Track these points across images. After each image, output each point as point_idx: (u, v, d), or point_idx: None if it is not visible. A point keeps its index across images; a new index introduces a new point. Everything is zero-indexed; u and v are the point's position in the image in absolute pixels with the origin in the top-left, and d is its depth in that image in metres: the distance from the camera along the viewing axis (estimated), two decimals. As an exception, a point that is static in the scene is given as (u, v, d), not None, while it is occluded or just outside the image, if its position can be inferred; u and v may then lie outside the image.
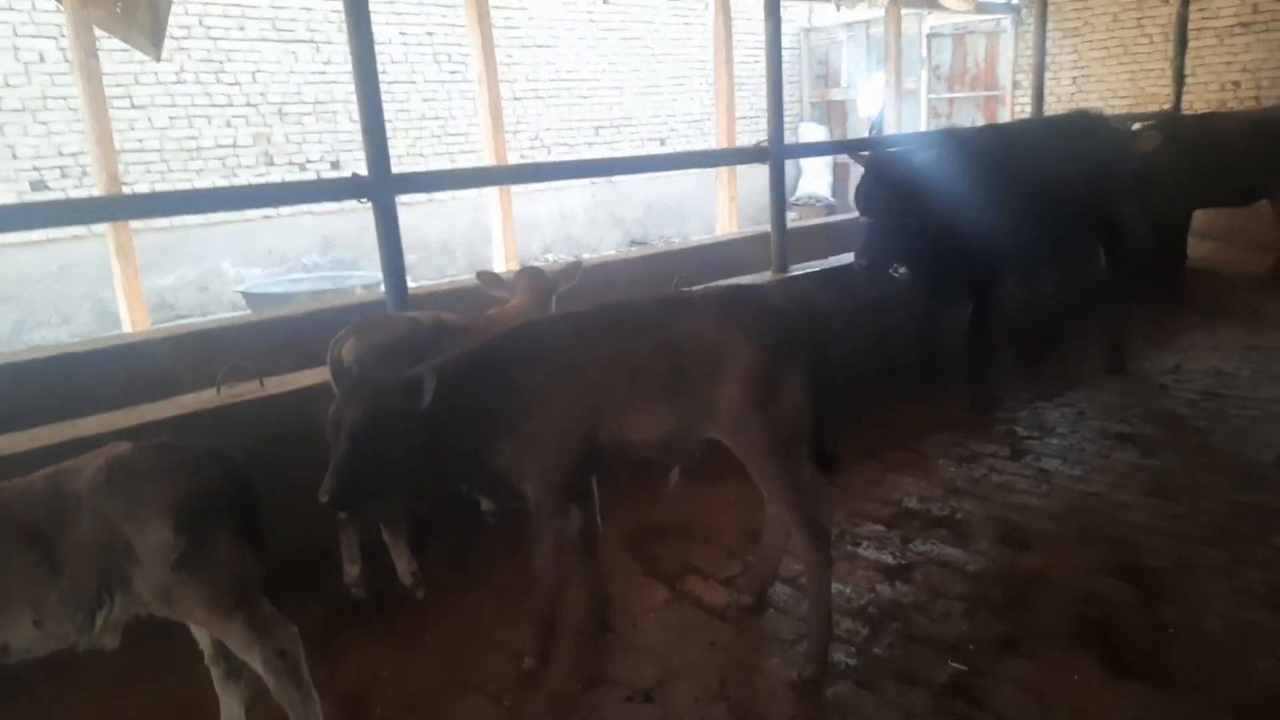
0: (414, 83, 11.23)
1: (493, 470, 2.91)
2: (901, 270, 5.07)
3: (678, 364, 2.87)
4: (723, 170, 9.11)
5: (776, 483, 2.94)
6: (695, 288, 3.35)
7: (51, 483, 2.26)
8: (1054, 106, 13.20)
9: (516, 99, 12.21)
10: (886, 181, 4.82)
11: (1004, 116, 13.58)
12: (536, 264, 5.76)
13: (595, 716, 2.79)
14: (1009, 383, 5.66)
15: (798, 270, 5.64)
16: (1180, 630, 3.07)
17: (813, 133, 16.21)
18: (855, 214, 5.08)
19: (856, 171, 5.42)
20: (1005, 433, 4.97)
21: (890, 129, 11.42)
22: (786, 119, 17.79)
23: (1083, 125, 5.87)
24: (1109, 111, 8.17)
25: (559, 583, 3.06)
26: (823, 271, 5.68)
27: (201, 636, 2.49)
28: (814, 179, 15.90)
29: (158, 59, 5.37)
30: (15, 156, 8.60)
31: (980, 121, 14.55)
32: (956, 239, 4.93)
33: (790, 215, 15.68)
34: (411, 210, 11.05)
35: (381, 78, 11.51)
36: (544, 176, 6.94)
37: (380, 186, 3.86)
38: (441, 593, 3.49)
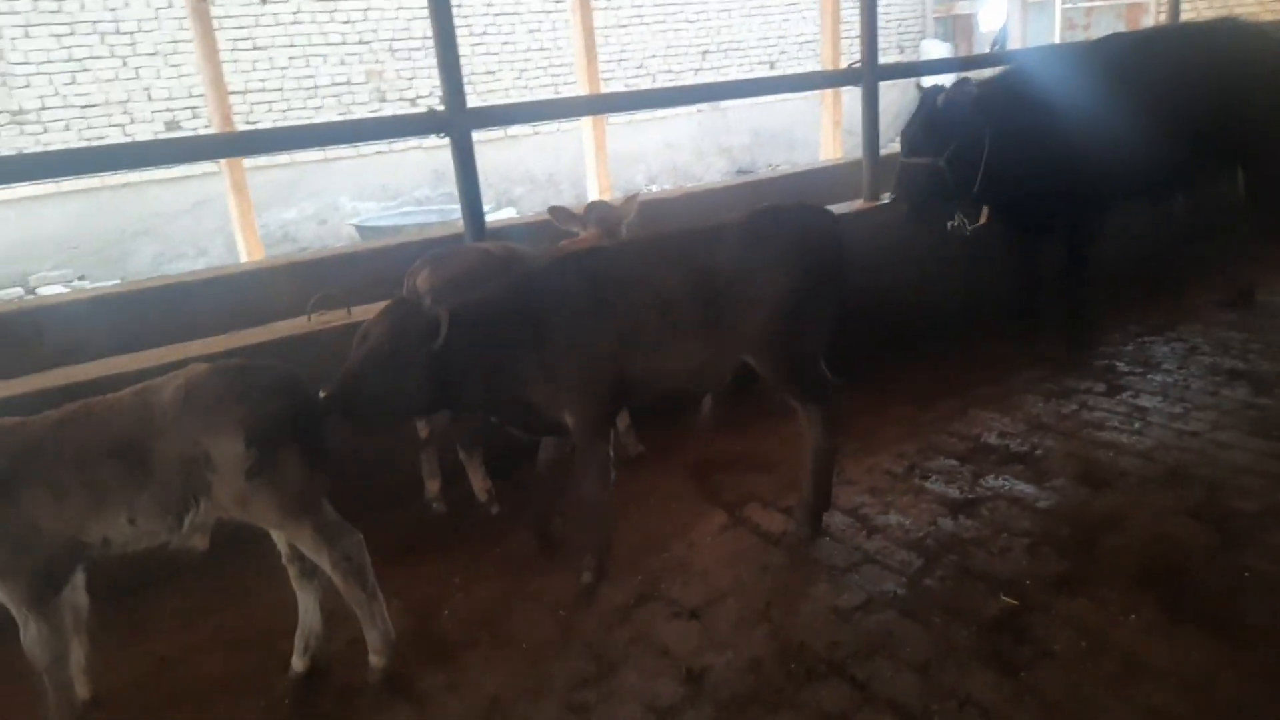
0: (519, 14, 11.27)
1: (528, 404, 3.01)
2: (956, 220, 4.87)
3: (709, 293, 2.93)
4: (827, 94, 8.79)
5: (801, 389, 3.16)
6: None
7: (140, 398, 2.51)
8: (1204, 14, 12.05)
9: (621, 26, 12.09)
10: (934, 118, 4.45)
11: (1148, 24, 12.47)
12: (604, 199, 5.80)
13: (642, 629, 2.92)
14: (1115, 316, 5.36)
15: (888, 199, 5.45)
16: (1258, 577, 2.92)
17: (936, 49, 15.36)
18: None
19: None
20: (1104, 368, 4.73)
21: (1015, 45, 10.71)
22: (908, 35, 16.96)
23: (1225, 34, 5.34)
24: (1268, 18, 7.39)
25: (607, 503, 3.18)
26: (917, 200, 5.47)
27: (279, 539, 2.73)
28: (937, 99, 15.11)
29: (264, 1, 5.60)
30: (150, 98, 9.22)
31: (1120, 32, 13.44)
32: (1038, 172, 4.56)
33: (909, 139, 15.05)
34: (517, 144, 11.23)
35: (487, 10, 11.68)
36: (621, 106, 6.87)
37: (456, 121, 3.97)
38: (514, 511, 3.67)
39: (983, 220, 4.97)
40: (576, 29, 6.99)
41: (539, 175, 11.56)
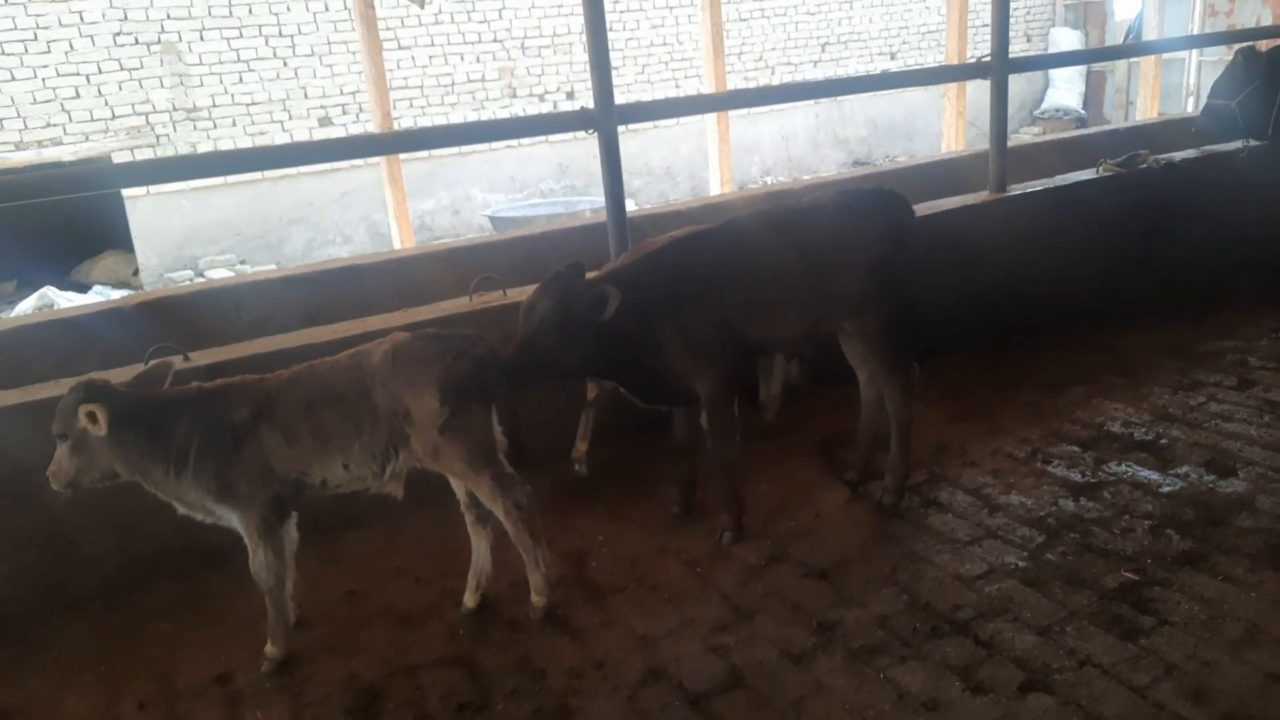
0: (643, 10, 11.61)
1: (663, 372, 3.32)
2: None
3: (811, 262, 3.32)
4: (950, 85, 8.80)
5: (889, 357, 3.51)
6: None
7: (354, 360, 2.94)
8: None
9: (742, 20, 12.27)
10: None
11: (1299, 10, 11.83)
12: (753, 188, 6.10)
13: (775, 585, 3.19)
14: (1254, 310, 5.28)
15: (1017, 190, 5.53)
16: (1390, 563, 2.97)
17: (1065, 38, 14.92)
18: (1104, 128, 5.60)
19: (1112, 82, 5.57)
20: (1236, 363, 4.71)
21: (1150, 34, 10.38)
22: (1036, 23, 16.55)
23: None
24: None
25: (736, 465, 3.48)
26: (1043, 191, 5.53)
27: (458, 488, 3.12)
28: (1064, 90, 14.70)
29: (423, 7, 6.10)
30: (306, 96, 10.00)
31: (1267, 19, 12.77)
32: None
33: (1034, 130, 14.73)
34: (637, 137, 11.58)
35: (613, 7, 12.09)
36: (753, 102, 7.07)
37: (605, 118, 4.28)
38: (657, 469, 3.97)
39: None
40: (705, 26, 7.25)
41: (657, 168, 11.89)
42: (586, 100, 4.18)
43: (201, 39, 9.63)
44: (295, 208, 9.97)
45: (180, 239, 9.53)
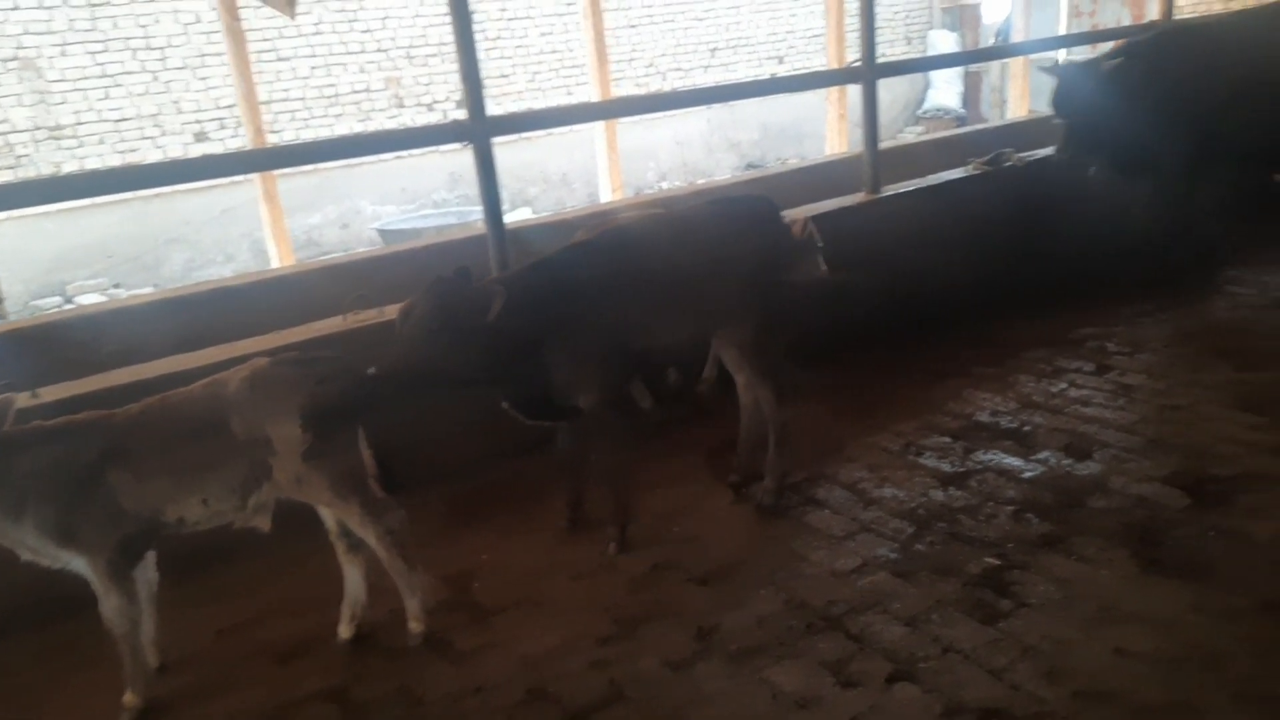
0: (531, 18, 11.56)
1: (549, 385, 3.30)
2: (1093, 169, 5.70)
3: (689, 273, 3.34)
4: (832, 90, 9.03)
5: (763, 362, 3.57)
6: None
7: (209, 389, 2.83)
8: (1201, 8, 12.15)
9: (631, 26, 12.35)
10: (1079, 88, 5.45)
11: (1152, 13, 12.59)
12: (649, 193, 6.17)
13: (660, 594, 3.21)
14: (1110, 298, 5.57)
15: (891, 190, 5.71)
16: (1225, 533, 3.17)
17: (943, 40, 15.52)
18: (979, 127, 5.58)
19: (989, 82, 5.67)
20: (1095, 349, 4.96)
21: (1018, 36, 10.86)
22: (915, 25, 17.06)
23: None
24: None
25: (627, 477, 3.48)
26: (916, 190, 5.73)
27: (327, 516, 3.03)
28: (943, 90, 15.28)
29: (293, 17, 5.93)
30: (180, 111, 9.59)
31: (1127, 19, 13.54)
32: (1169, 132, 5.32)
33: (917, 129, 15.24)
34: (532, 145, 11.52)
35: (500, 14, 11.95)
36: (633, 110, 7.12)
37: (478, 130, 4.24)
38: (540, 489, 3.95)
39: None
40: (588, 33, 7.27)
41: (553, 175, 11.85)
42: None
43: (63, 54, 9.14)
44: (172, 227, 9.56)
45: (47, 264, 9.02)
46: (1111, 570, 3.03)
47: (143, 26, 9.36)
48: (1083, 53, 8.21)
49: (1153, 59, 5.40)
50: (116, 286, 9.20)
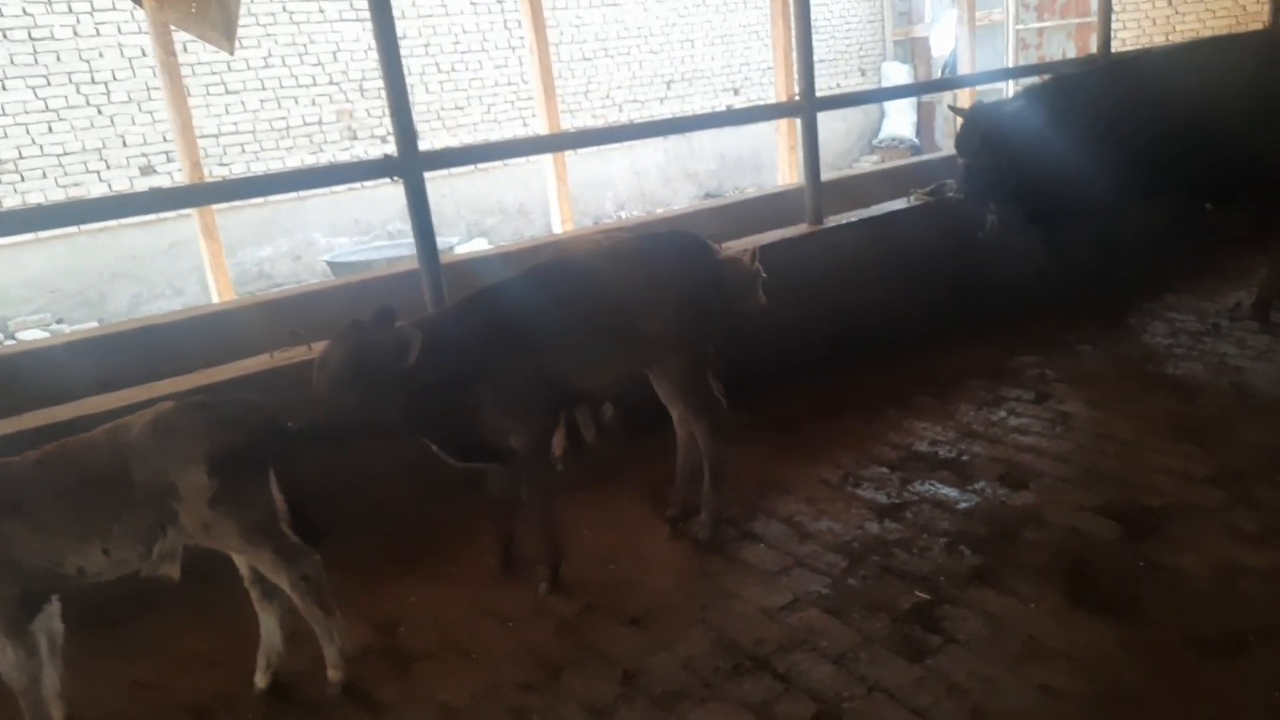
0: (486, 50, 11.59)
1: (476, 428, 3.23)
2: (992, 210, 5.58)
3: (617, 309, 3.32)
4: (782, 121, 9.12)
5: (696, 397, 3.54)
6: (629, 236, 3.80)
7: (111, 435, 2.73)
8: (1149, 30, 12.49)
9: (586, 59, 12.42)
10: (981, 127, 5.35)
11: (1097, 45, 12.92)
12: (608, 222, 6.17)
13: (587, 637, 3.13)
14: (1053, 326, 5.62)
15: (833, 221, 5.74)
16: (1156, 566, 3.17)
17: (896, 72, 15.80)
18: (925, 158, 5.53)
19: (941, 112, 5.71)
20: (1035, 377, 4.99)
21: (964, 68, 11.09)
22: (869, 57, 17.35)
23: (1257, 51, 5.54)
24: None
25: (554, 516, 3.42)
26: (859, 222, 5.76)
27: (241, 564, 2.93)
28: (898, 120, 15.53)
29: (231, 52, 5.87)
30: (125, 144, 9.45)
31: (1072, 51, 13.88)
32: (1071, 176, 5.18)
33: (873, 158, 15.45)
34: (488, 175, 11.51)
35: (454, 47, 11.94)
36: (573, 144, 7.12)
37: (408, 165, 4.20)
38: (475, 529, 3.86)
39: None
40: (534, 67, 7.28)
41: (510, 206, 11.83)
42: (434, 141, 4.13)
43: (3, 89, 8.98)
44: (118, 261, 9.38)
45: (-14, 301, 8.81)
46: (1040, 605, 3.01)
47: (85, 60, 9.24)
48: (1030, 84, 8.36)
49: (1056, 99, 5.40)
50: (60, 322, 8.99)
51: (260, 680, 3.00)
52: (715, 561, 3.52)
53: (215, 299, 5.99)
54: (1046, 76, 6.05)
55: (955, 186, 5.46)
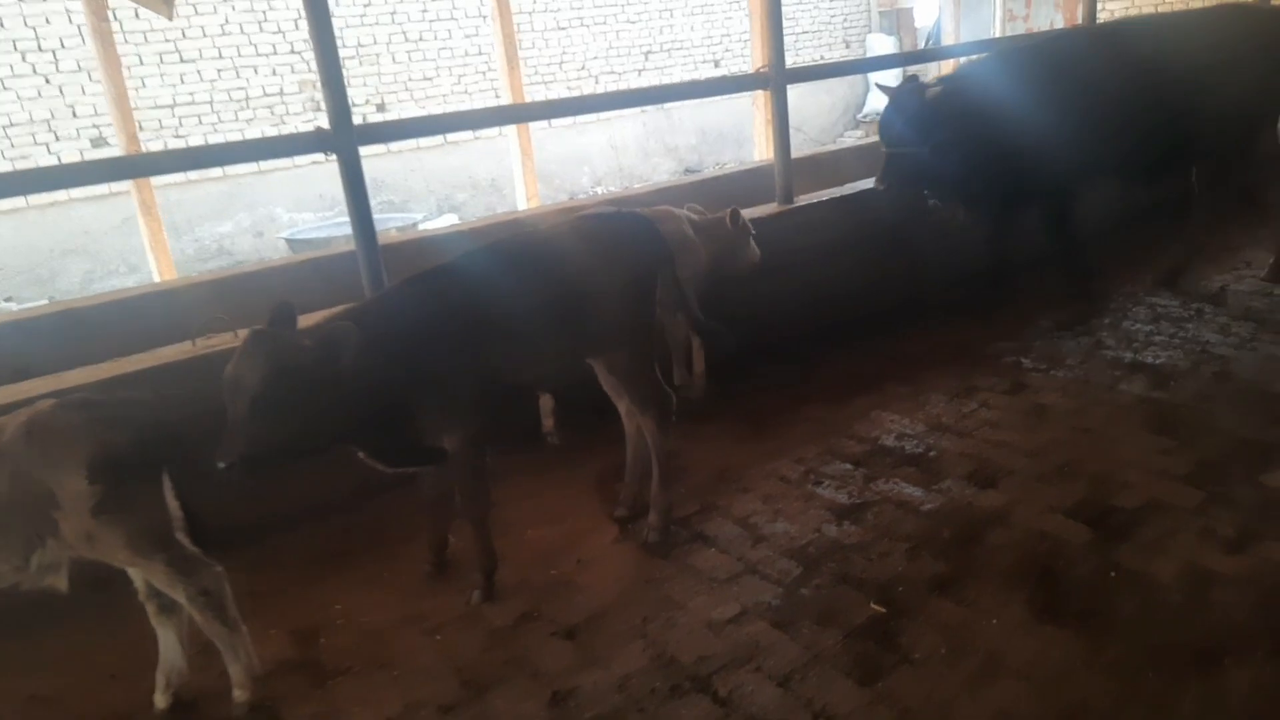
0: (455, 19, 11.20)
1: (408, 429, 2.97)
2: (932, 200, 5.37)
3: (560, 295, 3.08)
4: (758, 94, 8.81)
5: (642, 388, 3.32)
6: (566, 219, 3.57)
7: (-21, 440, 2.47)
8: (1137, 1, 12.18)
9: (561, 29, 12.05)
10: (904, 113, 4.95)
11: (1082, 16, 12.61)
12: (583, 198, 5.94)
13: (518, 651, 2.91)
14: (1028, 312, 5.42)
15: (804, 200, 5.49)
16: (1125, 574, 2.96)
17: (880, 44, 15.46)
18: None
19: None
20: (1011, 365, 4.78)
21: (948, 39, 10.79)
22: (854, 29, 16.94)
23: (1209, 24, 5.34)
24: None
25: (490, 519, 3.18)
26: (829, 200, 5.51)
27: (135, 576, 2.69)
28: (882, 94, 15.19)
29: (170, 18, 5.54)
30: (75, 115, 9.07)
31: (1060, 22, 13.57)
32: (998, 161, 4.98)
33: (857, 133, 15.12)
34: (459, 149, 11.17)
35: (423, 16, 11.52)
36: (522, 118, 6.74)
37: (342, 140, 3.93)
38: (413, 528, 3.63)
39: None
40: (497, 36, 6.96)
41: (482, 180, 11.50)
42: (399, 112, 3.84)
43: (-54, 55, 8.60)
44: (70, 236, 9.02)
45: (-70, 278, 8.46)
46: (1002, 619, 2.80)
47: (32, 27, 8.82)
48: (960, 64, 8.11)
49: (978, 86, 5.10)
50: (8, 300, 8.65)
51: (160, 700, 2.77)
52: (662, 567, 3.30)
53: (156, 278, 5.70)
54: (978, 56, 5.78)
55: (876, 179, 5.06)
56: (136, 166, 4.16)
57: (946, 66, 9.96)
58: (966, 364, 4.83)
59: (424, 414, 2.97)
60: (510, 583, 3.26)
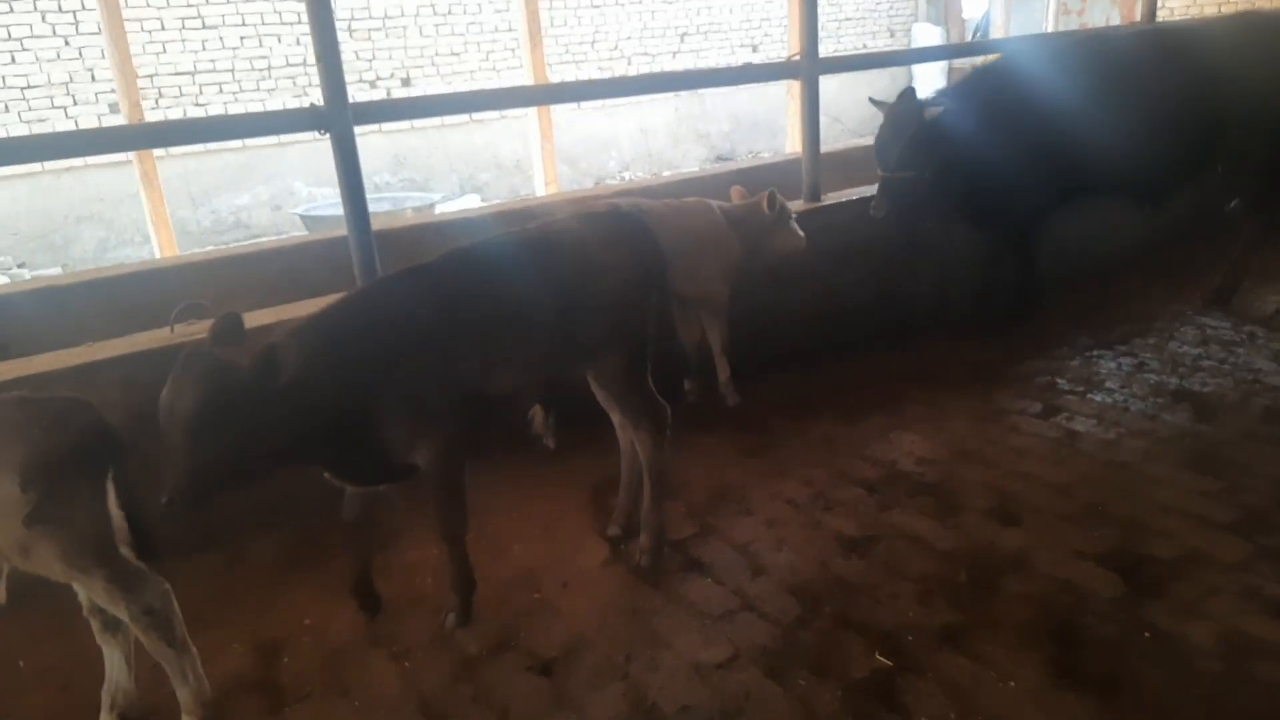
0: (486, -6, 10.94)
1: (376, 443, 2.73)
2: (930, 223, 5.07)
3: (547, 301, 2.86)
4: (793, 84, 8.48)
5: (634, 400, 3.10)
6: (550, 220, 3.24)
7: (-91, 437, 2.28)
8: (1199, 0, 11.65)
9: (594, 6, 11.74)
10: (902, 134, 4.58)
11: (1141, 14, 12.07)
12: (612, 183, 5.69)
13: (487, 685, 2.70)
14: (1065, 328, 5.10)
15: (832, 199, 5.20)
16: (1158, 636, 2.68)
17: (927, 34, 14.96)
18: None
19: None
20: (1044, 385, 4.48)
21: (998, 32, 10.35)
22: (899, 18, 16.49)
23: (1234, 32, 5.05)
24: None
25: (466, 538, 2.94)
26: (859, 200, 5.20)
27: (83, 593, 2.50)
28: (926, 85, 14.73)
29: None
30: (94, 79, 8.94)
31: (1116, 18, 13.03)
32: (995, 183, 4.67)
33: (893, 128, 14.69)
34: (483, 128, 10.94)
35: (455, -9, 11.13)
36: (526, 101, 6.41)
37: (336, 117, 3.70)
38: (390, 538, 3.43)
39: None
40: (521, 12, 6.69)
41: (506, 161, 11.26)
42: (425, 87, 3.63)
43: (-37, 16, 8.48)
44: (85, 203, 8.91)
45: (-56, 240, 8.39)
46: (1018, 680, 2.53)
47: (54, -14, 8.70)
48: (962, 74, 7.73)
49: (988, 92, 4.75)
50: (21, 266, 8.57)
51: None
52: (652, 597, 3.06)
53: (157, 253, 5.53)
54: (989, 58, 5.38)
55: (873, 204, 4.68)
56: (111, 138, 3.98)
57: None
58: (994, 383, 4.53)
59: (391, 425, 2.72)
60: (489, 603, 3.04)
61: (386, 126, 9.68)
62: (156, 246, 5.52)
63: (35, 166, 8.28)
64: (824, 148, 5.68)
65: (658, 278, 3.12)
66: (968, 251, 5.35)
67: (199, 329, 3.54)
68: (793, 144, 8.79)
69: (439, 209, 8.39)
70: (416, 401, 2.71)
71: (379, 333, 2.68)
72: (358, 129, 3.86)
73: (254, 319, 3.39)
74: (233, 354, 2.43)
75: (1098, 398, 4.31)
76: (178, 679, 2.51)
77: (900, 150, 4.55)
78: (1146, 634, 2.69)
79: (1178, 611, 2.78)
